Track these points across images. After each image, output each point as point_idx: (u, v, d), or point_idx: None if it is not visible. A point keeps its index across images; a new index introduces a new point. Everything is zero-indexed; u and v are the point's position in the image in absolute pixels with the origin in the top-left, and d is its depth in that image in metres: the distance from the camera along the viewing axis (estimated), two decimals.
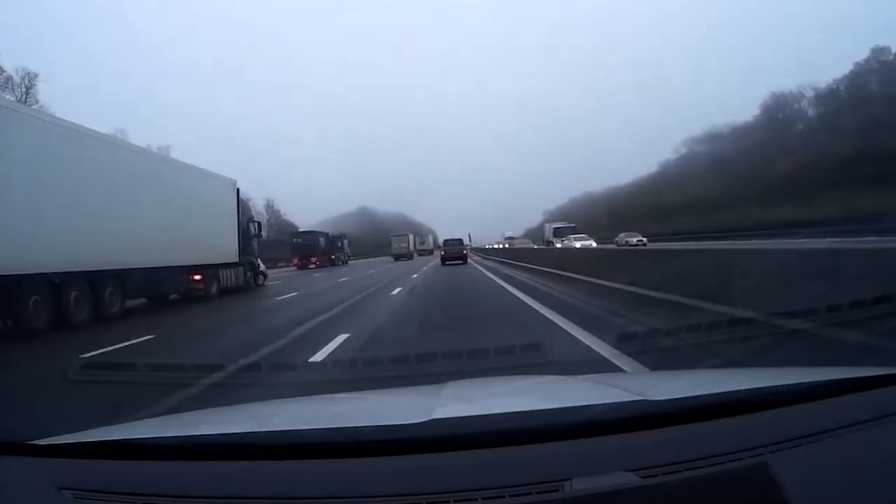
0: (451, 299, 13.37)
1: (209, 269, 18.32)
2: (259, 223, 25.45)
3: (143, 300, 16.12)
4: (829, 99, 65.44)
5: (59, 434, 1.51)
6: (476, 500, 1.16)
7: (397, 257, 66.08)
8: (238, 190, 21.81)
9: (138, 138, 47.64)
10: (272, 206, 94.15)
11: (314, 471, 1.31)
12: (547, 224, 64.25)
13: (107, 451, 1.44)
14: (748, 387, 1.70)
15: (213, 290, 18.60)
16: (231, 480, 1.30)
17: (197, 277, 17.63)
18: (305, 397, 2.75)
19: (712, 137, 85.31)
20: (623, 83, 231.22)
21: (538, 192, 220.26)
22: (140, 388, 4.48)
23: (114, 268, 13.40)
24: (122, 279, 13.82)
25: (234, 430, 1.66)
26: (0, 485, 1.33)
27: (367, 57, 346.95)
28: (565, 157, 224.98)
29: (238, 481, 1.29)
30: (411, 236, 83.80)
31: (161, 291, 16.60)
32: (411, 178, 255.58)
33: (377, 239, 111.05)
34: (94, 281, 12.74)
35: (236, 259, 20.60)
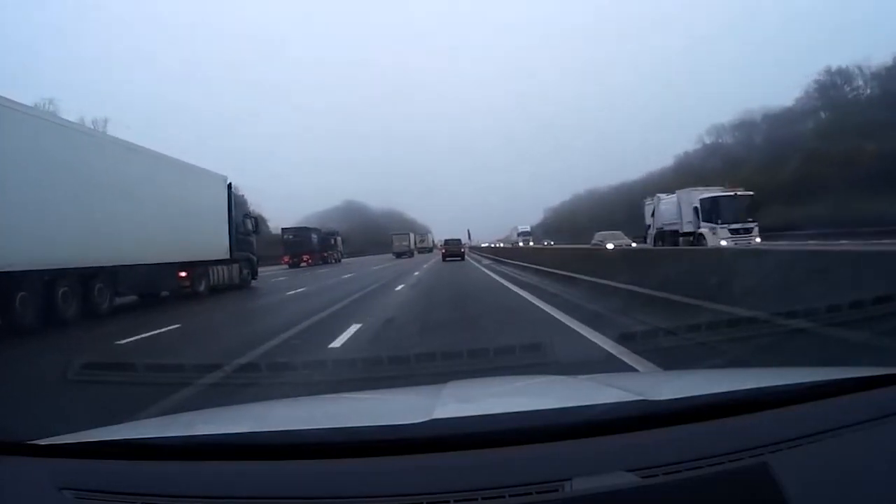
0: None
1: (198, 267, 18.01)
2: (256, 219, 24.52)
3: (131, 297, 15.97)
4: (888, 79, 54.35)
5: (59, 434, 1.51)
6: (476, 500, 1.16)
7: (398, 255, 66.06)
8: (230, 185, 21.33)
9: (70, 109, 45.37)
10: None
11: (314, 471, 1.31)
12: (677, 198, 27.73)
13: (107, 451, 1.44)
14: (748, 387, 1.70)
15: (202, 287, 18.19)
16: (231, 480, 1.30)
17: (184, 274, 17.32)
18: (305, 397, 2.75)
19: (744, 125, 74.76)
20: (627, 77, 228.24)
21: (538, 191, 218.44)
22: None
23: (102, 265, 13.27)
24: (111, 276, 13.65)
25: (235, 431, 1.66)
26: (0, 485, 1.33)
27: (360, 49, 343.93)
28: (567, 154, 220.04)
29: (238, 481, 1.29)
30: (412, 234, 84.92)
31: (149, 288, 16.32)
32: (407, 174, 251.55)
33: (368, 236, 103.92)
34: (83, 278, 12.59)
35: (227, 256, 20.17)
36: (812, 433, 1.33)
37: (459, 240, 47.22)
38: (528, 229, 77.63)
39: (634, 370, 4.58)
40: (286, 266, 48.79)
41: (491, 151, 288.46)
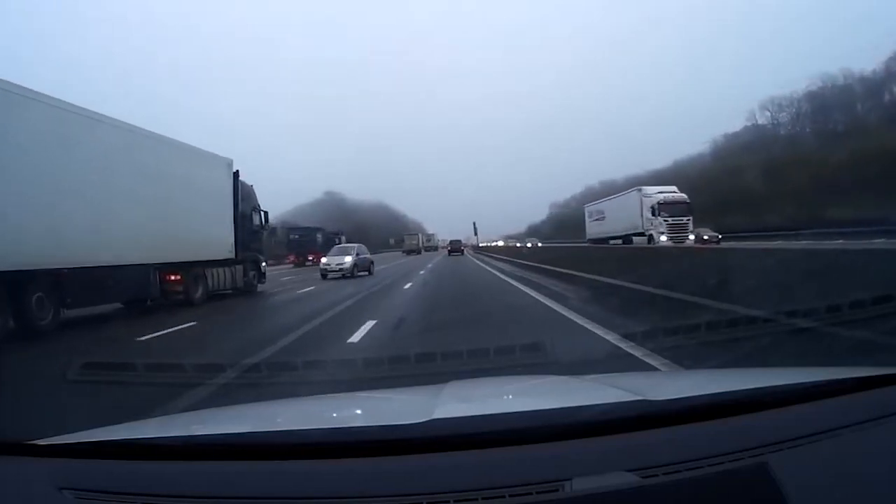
0: None
1: (193, 268, 15.02)
2: (266, 212, 21.07)
3: (114, 306, 13.50)
4: None
5: (59, 434, 1.52)
6: (476, 500, 1.16)
7: (408, 252, 73.49)
8: (237, 172, 18.01)
9: None
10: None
11: (314, 471, 1.32)
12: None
13: (107, 451, 1.44)
14: (748, 387, 1.70)
15: (198, 293, 15.19)
16: (231, 480, 1.30)
17: (175, 278, 14.34)
18: (305, 397, 2.76)
19: (814, 98, 59.51)
20: (638, 61, 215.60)
21: (544, 187, 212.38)
22: None
23: (43, 267, 10.26)
24: (55, 282, 10.60)
25: (235, 431, 1.66)
26: (0, 485, 1.33)
27: (358, 46, 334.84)
28: (576, 147, 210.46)
29: (238, 481, 1.29)
30: (420, 235, 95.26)
31: (124, 296, 13.41)
32: (408, 173, 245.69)
33: (354, 235, 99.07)
34: (11, 285, 9.72)
35: (232, 255, 17.12)
36: (812, 433, 1.33)
37: (460, 240, 63.51)
38: (675, 191, 34.21)
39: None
40: (291, 265, 51.66)
41: (494, 148, 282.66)
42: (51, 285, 10.50)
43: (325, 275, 24.64)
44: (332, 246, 60.57)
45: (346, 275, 24.34)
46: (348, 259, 25.37)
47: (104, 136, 12.23)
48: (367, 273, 25.99)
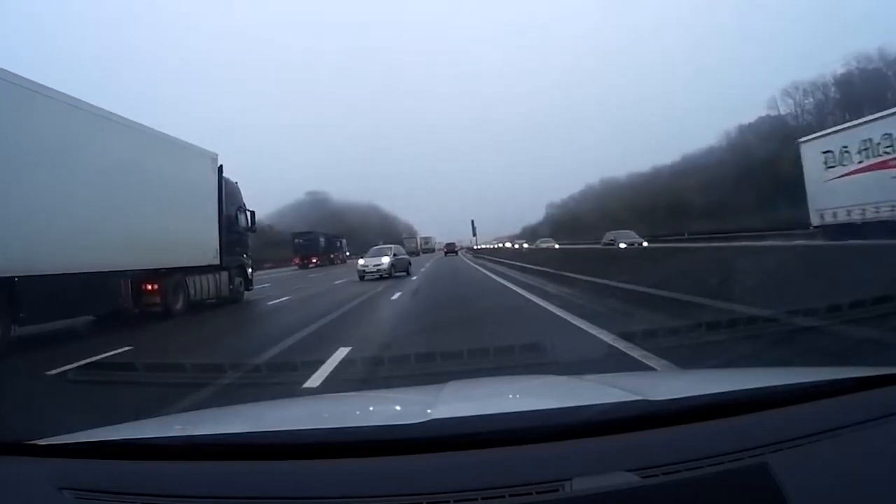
0: None
1: (173, 275, 13.33)
2: (252, 213, 18.97)
3: (85, 318, 11.57)
4: None
5: (59, 434, 1.52)
6: (476, 500, 1.16)
7: (407, 254, 75.41)
8: (221, 167, 16.14)
9: None
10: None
11: (314, 471, 1.32)
12: None
13: (107, 451, 1.45)
14: (748, 387, 1.70)
15: (178, 304, 13.40)
16: (231, 480, 1.30)
17: (151, 287, 12.56)
18: (305, 397, 2.77)
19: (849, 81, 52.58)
20: (642, 53, 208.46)
21: (542, 187, 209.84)
22: None
23: None
24: (7, 293, 8.81)
25: (235, 431, 1.66)
26: (0, 485, 1.33)
27: (356, 42, 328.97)
28: (570, 149, 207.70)
29: (238, 481, 1.29)
30: (418, 238, 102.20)
31: (88, 309, 11.35)
32: (399, 173, 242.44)
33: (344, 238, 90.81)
34: None
35: (216, 261, 15.46)
36: (812, 433, 1.33)
37: (454, 243, 74.77)
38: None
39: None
40: (297, 267, 55.47)
41: (490, 149, 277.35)
42: (2, 297, 8.75)
43: (362, 276, 24.90)
44: (334, 249, 64.12)
45: (384, 276, 24.52)
46: (386, 260, 25.60)
47: (65, 118, 10.34)
48: (405, 274, 25.99)
